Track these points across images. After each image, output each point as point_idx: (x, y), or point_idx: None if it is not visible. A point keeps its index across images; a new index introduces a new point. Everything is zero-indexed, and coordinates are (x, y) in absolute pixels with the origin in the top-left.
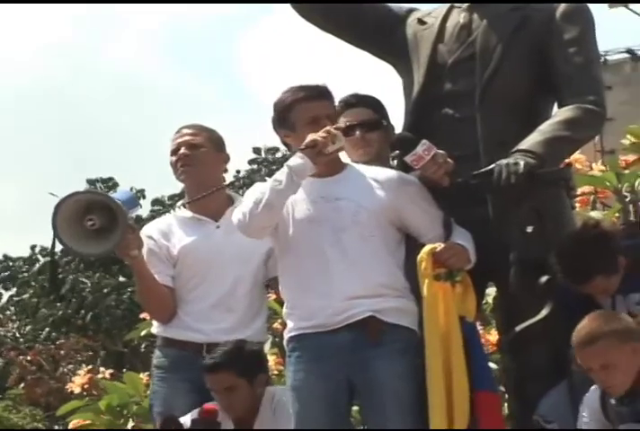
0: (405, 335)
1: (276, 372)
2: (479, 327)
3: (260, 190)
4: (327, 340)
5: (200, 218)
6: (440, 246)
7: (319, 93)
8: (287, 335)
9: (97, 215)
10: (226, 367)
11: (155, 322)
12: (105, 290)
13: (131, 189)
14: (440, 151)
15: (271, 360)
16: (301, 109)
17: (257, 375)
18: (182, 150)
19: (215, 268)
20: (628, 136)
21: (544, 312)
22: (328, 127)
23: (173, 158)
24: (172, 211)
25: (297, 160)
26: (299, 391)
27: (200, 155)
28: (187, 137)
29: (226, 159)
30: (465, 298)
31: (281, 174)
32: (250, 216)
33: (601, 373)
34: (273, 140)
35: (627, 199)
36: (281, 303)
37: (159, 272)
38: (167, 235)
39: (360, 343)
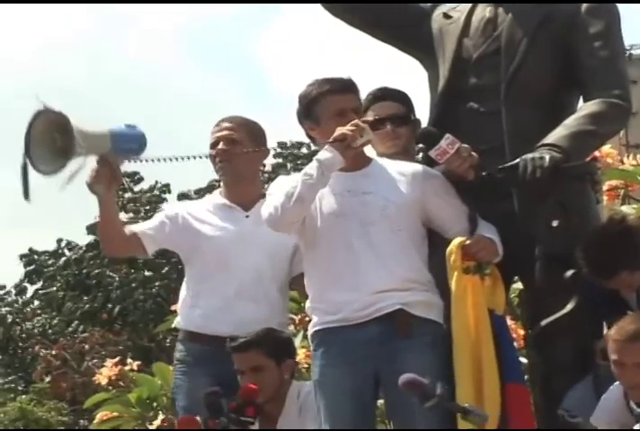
0: (433, 328)
1: (305, 365)
2: (509, 321)
3: (290, 184)
4: (354, 334)
5: (232, 206)
6: (469, 239)
7: (345, 86)
8: (311, 330)
9: (65, 137)
10: (254, 346)
11: (180, 316)
12: (133, 284)
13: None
14: (464, 145)
15: (301, 353)
16: (327, 103)
17: (285, 359)
18: (221, 145)
19: (238, 257)
20: None
21: (569, 307)
22: (356, 121)
23: (212, 152)
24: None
25: (326, 154)
26: (326, 387)
27: (239, 152)
28: (226, 132)
29: (265, 153)
30: (494, 291)
31: (311, 168)
32: (282, 210)
33: (637, 370)
34: (298, 135)
35: None
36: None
37: (151, 227)
38: (197, 214)
39: (388, 336)
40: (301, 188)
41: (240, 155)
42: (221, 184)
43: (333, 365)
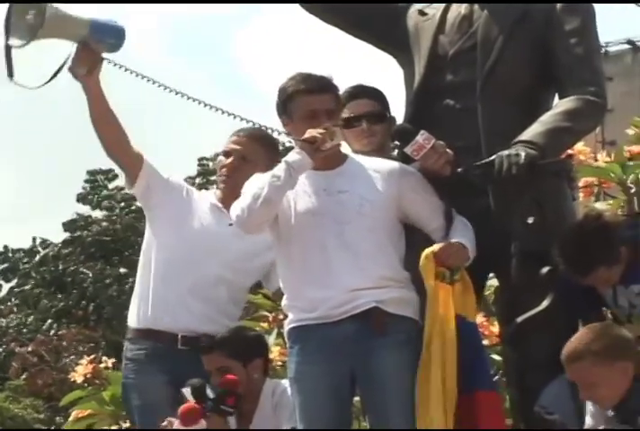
0: (409, 325)
1: (280, 363)
2: (482, 318)
3: (258, 186)
4: (331, 332)
5: (222, 210)
6: (438, 247)
7: (320, 87)
8: (287, 327)
9: (39, 13)
10: (218, 347)
11: (130, 314)
12: (107, 281)
13: None
14: (440, 141)
15: (275, 351)
16: (301, 102)
17: (252, 359)
18: (231, 159)
19: (203, 259)
20: (633, 128)
21: (545, 303)
22: (327, 124)
23: (222, 159)
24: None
25: (295, 156)
26: (302, 383)
27: (247, 170)
28: (239, 147)
29: (271, 168)
30: (464, 297)
31: (279, 170)
32: (248, 212)
33: (586, 389)
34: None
35: (632, 191)
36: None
37: (157, 170)
38: (195, 199)
39: (364, 333)
40: (268, 189)
41: (246, 173)
42: (218, 187)
43: (309, 361)
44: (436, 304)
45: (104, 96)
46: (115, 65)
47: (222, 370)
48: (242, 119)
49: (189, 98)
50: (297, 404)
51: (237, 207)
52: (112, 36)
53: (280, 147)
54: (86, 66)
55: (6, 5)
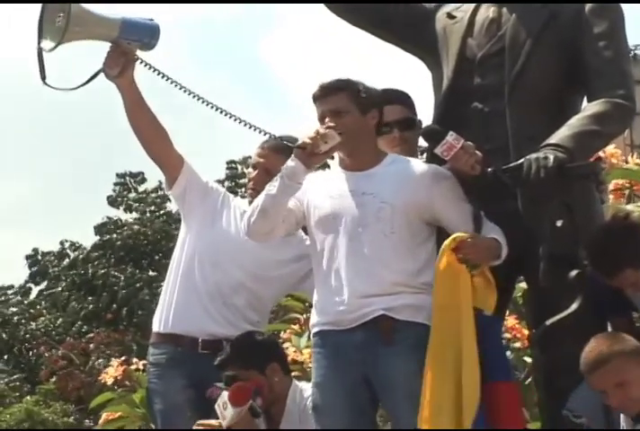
0: (419, 330)
1: (311, 365)
2: (514, 321)
3: (259, 196)
4: (342, 339)
5: None
6: (467, 236)
7: (327, 90)
8: (311, 329)
9: (66, 15)
10: (231, 362)
11: (154, 319)
12: (138, 285)
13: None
14: (468, 142)
15: (306, 353)
16: (316, 107)
17: (268, 364)
18: (256, 173)
19: (229, 261)
20: None
21: (574, 306)
22: (317, 128)
23: (249, 171)
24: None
25: (288, 163)
26: (321, 387)
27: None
28: (263, 160)
29: None
30: (484, 291)
31: (276, 178)
32: (247, 222)
33: (617, 391)
34: None
35: None
36: None
37: (196, 173)
38: (230, 203)
39: (372, 341)
40: (264, 199)
41: None
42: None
43: (327, 366)
44: (454, 288)
45: (141, 96)
46: (146, 65)
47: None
48: (262, 133)
49: (217, 109)
50: (316, 407)
51: (244, 218)
52: (145, 35)
53: None
54: (118, 67)
55: (39, 8)
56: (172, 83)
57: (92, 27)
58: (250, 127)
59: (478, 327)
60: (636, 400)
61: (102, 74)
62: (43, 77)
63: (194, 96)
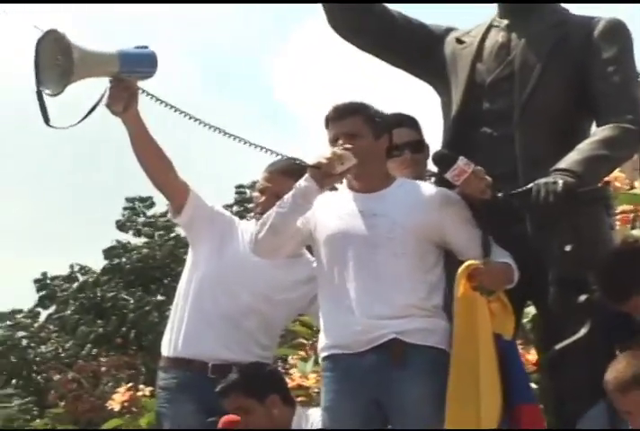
0: (432, 355)
1: (317, 390)
2: (519, 345)
3: (269, 212)
4: (354, 362)
5: None
6: (480, 263)
7: (341, 112)
8: (321, 354)
9: (66, 57)
10: (232, 389)
11: (163, 343)
12: (146, 308)
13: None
14: (478, 167)
15: (312, 378)
16: (328, 130)
17: (268, 395)
18: (265, 198)
19: (239, 285)
20: None
21: (583, 331)
22: (334, 149)
23: (256, 196)
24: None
25: (302, 182)
26: (331, 412)
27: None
28: (271, 185)
29: None
30: (503, 317)
31: (288, 196)
32: (255, 239)
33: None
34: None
35: None
36: None
37: (203, 200)
38: (238, 227)
39: (384, 365)
40: (274, 217)
41: None
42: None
43: (337, 390)
44: (469, 320)
45: (145, 128)
46: (152, 98)
47: (240, 410)
48: (273, 153)
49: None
50: None
51: (251, 234)
52: (144, 65)
53: None
54: (123, 102)
55: (33, 52)
56: (175, 111)
57: (93, 65)
58: (261, 149)
59: (499, 352)
60: None
61: (101, 106)
62: (47, 120)
63: (200, 123)
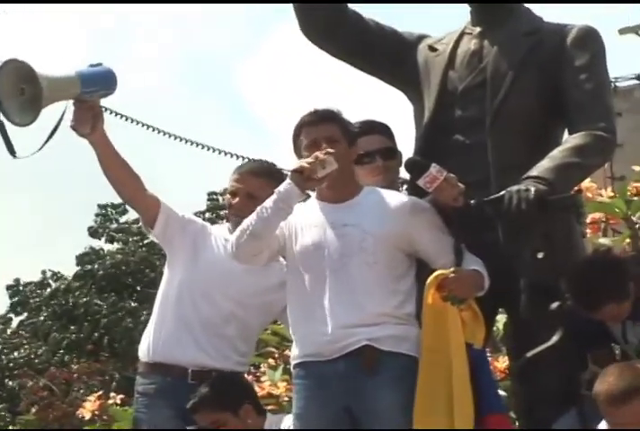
0: (404, 362)
1: (286, 398)
2: (488, 353)
3: (249, 217)
4: (325, 369)
5: None
6: (449, 272)
7: (321, 117)
8: (292, 361)
9: (31, 85)
10: (203, 405)
11: (141, 348)
12: (119, 314)
13: None
14: (451, 174)
15: (282, 387)
16: (305, 134)
17: (241, 405)
18: (238, 199)
19: (217, 291)
20: None
21: (555, 339)
22: (316, 153)
23: (228, 198)
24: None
25: (283, 186)
26: (302, 419)
27: (255, 206)
28: (243, 186)
29: None
30: (473, 326)
31: (269, 201)
32: (236, 244)
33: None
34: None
35: (637, 226)
36: None
37: (173, 210)
38: (213, 233)
39: (356, 372)
40: (255, 221)
41: (254, 208)
42: (230, 222)
43: (309, 397)
44: (440, 330)
45: (112, 147)
46: (112, 113)
47: (216, 424)
48: (245, 159)
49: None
50: None
51: (231, 239)
52: (105, 83)
53: None
54: (89, 123)
55: None
56: (142, 125)
57: (58, 90)
58: (232, 156)
59: (470, 362)
60: None
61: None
62: (12, 152)
63: (169, 135)
